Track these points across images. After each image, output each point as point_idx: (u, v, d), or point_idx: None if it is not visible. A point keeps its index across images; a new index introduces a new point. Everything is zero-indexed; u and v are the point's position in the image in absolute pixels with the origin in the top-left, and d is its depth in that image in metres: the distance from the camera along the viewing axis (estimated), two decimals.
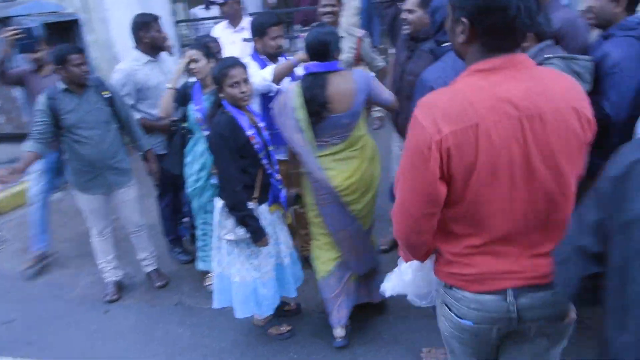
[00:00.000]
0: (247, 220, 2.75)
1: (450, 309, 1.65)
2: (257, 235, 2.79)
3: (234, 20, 4.47)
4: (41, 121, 3.29)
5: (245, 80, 2.74)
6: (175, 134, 3.55)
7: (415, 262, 1.84)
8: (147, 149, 3.69)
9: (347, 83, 2.72)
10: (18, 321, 3.70)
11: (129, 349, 3.32)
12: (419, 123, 1.43)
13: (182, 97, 3.48)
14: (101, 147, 3.40)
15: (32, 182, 4.19)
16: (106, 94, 3.43)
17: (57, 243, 4.69)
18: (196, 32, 7.83)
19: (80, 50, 3.37)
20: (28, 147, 3.29)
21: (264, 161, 2.83)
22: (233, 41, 4.30)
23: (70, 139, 3.37)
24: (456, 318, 1.63)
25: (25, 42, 3.98)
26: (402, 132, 3.33)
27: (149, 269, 3.93)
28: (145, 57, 3.79)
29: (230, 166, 2.72)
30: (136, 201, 3.74)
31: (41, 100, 3.31)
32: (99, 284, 3.91)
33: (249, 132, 2.75)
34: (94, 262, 3.85)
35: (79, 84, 3.32)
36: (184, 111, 3.47)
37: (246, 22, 4.30)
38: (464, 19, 1.43)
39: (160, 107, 3.50)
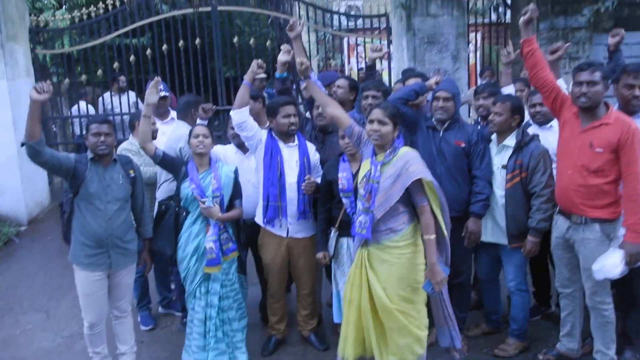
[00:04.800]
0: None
1: None
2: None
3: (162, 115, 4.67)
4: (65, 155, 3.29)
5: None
6: (167, 213, 3.55)
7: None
8: (148, 237, 3.61)
9: None
10: None
11: None
12: None
13: (170, 166, 3.59)
14: (113, 223, 3.30)
15: None
16: (132, 173, 3.43)
17: None
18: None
19: (106, 121, 3.32)
20: None
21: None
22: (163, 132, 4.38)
23: (84, 208, 3.26)
24: None
25: None
26: None
27: None
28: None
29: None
30: (131, 286, 3.59)
31: (71, 156, 3.29)
32: None
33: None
34: None
35: (100, 155, 3.29)
36: (177, 189, 3.52)
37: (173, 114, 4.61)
38: None
39: (140, 136, 3.55)
